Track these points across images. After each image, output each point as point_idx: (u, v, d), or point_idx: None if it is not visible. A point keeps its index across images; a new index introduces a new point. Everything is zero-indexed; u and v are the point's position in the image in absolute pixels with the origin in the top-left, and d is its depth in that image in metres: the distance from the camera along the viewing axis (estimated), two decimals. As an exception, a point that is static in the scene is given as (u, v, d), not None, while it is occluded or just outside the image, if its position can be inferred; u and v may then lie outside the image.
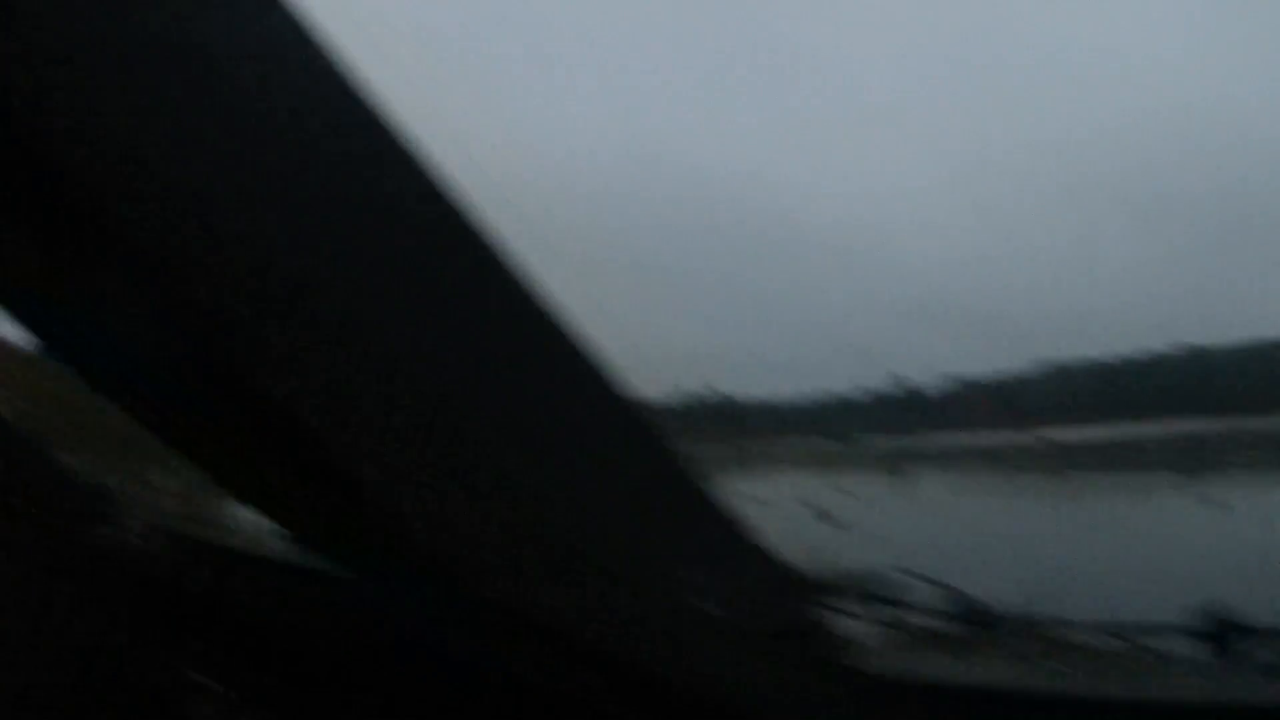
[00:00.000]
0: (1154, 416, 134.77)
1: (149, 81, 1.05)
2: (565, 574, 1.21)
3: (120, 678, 2.13)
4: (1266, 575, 18.75)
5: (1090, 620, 1.97)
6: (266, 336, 1.09)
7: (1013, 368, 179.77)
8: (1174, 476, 47.47)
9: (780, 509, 38.79)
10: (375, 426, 1.09)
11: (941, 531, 27.84)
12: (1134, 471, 49.90)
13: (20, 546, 2.38)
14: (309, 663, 1.89)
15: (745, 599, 1.31)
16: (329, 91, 1.13)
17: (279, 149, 1.09)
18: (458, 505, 1.16)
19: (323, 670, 1.87)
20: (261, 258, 1.12)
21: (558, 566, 1.21)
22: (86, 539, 2.35)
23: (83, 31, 1.02)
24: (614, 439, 1.40)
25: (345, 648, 1.85)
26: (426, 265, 1.24)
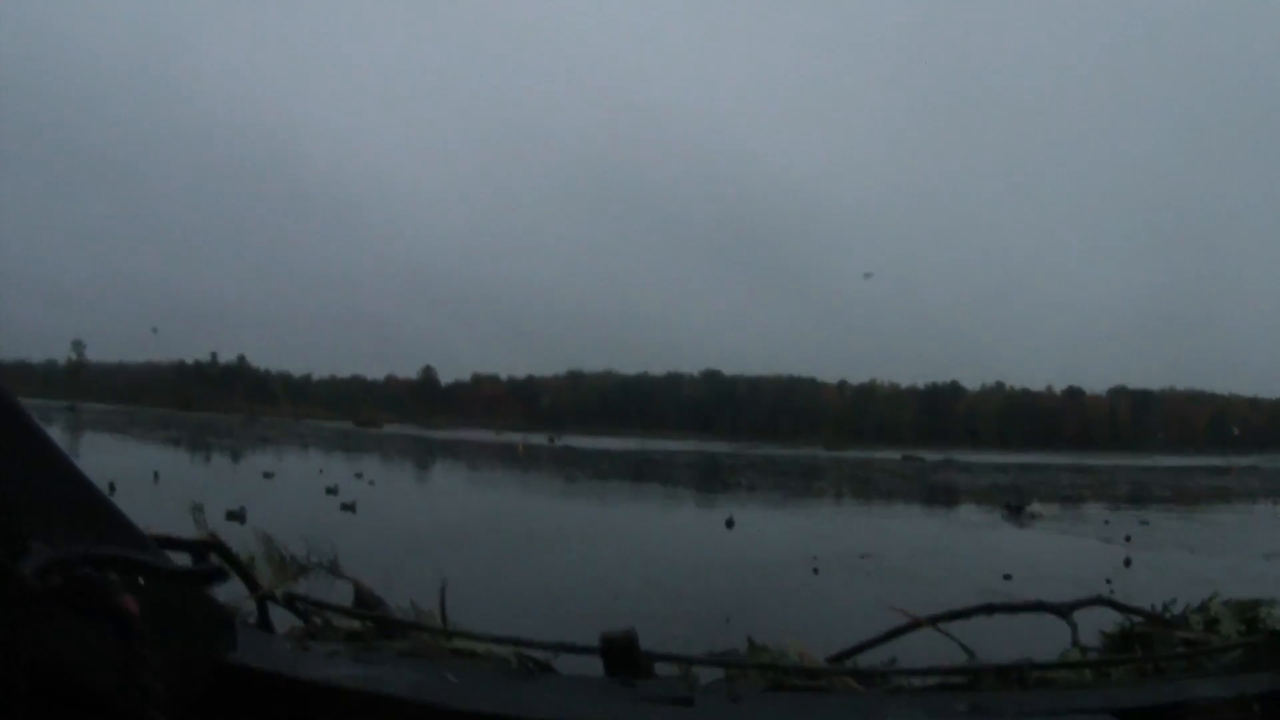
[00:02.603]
0: (671, 431, 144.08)
1: None
2: None
3: None
4: (760, 593, 20.41)
5: (496, 634, 2.07)
6: None
7: (536, 370, 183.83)
8: (685, 490, 50.59)
9: (295, 486, 38.32)
10: None
11: (449, 527, 28.16)
12: (647, 483, 52.35)
13: None
14: None
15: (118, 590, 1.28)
16: None
17: None
18: None
19: None
20: None
21: None
22: None
23: None
24: None
25: None
26: None
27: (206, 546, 1.89)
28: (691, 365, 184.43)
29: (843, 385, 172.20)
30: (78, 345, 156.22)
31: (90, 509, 1.49)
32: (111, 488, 20.55)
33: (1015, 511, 42.02)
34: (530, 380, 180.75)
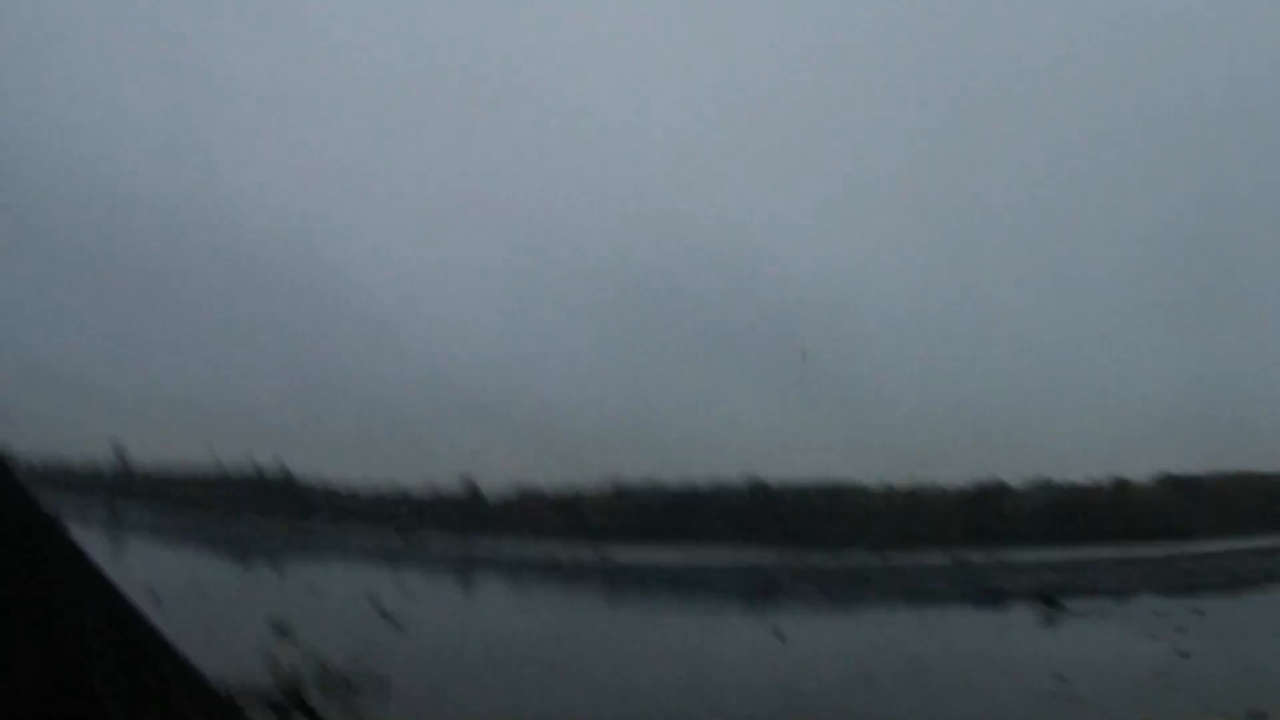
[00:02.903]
0: (717, 542, 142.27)
1: None
2: None
3: None
4: (813, 706, 20.05)
5: None
6: None
7: (579, 482, 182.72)
8: (734, 603, 49.97)
9: (340, 601, 38.13)
10: None
11: (496, 643, 27.90)
12: (694, 596, 51.74)
13: None
14: None
15: None
16: None
17: None
18: None
19: None
20: None
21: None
22: None
23: None
24: None
25: None
26: None
27: (292, 705, 1.90)
28: (733, 467, 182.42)
29: (889, 492, 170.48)
30: (118, 448, 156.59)
31: (182, 683, 1.50)
32: (156, 597, 20.59)
33: (1065, 609, 41.62)
34: (576, 496, 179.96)
